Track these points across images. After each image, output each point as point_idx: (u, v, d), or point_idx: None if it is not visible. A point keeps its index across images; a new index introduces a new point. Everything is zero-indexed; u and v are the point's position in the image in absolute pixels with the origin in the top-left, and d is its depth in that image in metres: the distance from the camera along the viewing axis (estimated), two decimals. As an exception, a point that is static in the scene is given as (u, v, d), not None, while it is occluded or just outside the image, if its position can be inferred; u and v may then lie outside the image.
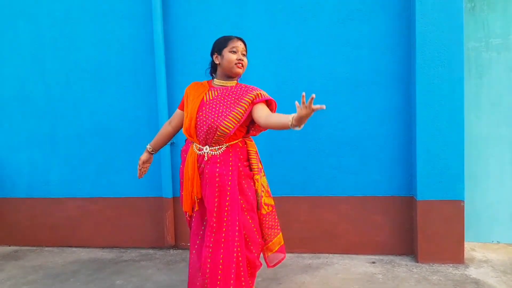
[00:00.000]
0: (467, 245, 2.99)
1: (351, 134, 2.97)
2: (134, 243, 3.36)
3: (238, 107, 1.91)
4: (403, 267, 2.75)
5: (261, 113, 1.90)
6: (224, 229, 1.90)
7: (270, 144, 3.09)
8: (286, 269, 2.77)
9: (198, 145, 1.97)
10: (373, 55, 2.91)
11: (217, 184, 1.91)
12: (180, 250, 3.24)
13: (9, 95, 3.50)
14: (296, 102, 1.66)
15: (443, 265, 2.73)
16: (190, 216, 2.08)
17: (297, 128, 1.69)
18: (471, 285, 2.43)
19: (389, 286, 2.46)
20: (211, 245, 1.91)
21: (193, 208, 2.02)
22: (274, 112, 2.02)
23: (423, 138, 2.74)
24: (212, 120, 1.90)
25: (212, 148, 1.94)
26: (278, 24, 3.03)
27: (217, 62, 2.02)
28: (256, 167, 2.03)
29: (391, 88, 2.91)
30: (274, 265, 2.19)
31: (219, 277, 1.87)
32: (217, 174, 1.91)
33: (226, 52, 1.97)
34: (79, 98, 3.36)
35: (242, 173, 1.98)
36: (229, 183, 1.91)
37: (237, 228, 1.90)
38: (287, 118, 1.70)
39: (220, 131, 1.89)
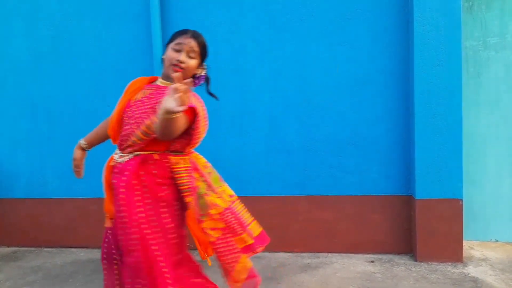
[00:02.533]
0: (465, 243, 2.99)
1: (350, 133, 2.97)
2: (133, 243, 3.35)
3: (152, 116, 1.53)
4: (402, 266, 2.75)
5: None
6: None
7: (268, 143, 3.09)
8: (285, 269, 2.77)
9: (118, 151, 1.68)
10: (371, 54, 2.91)
11: (118, 198, 1.56)
12: (179, 250, 3.24)
13: (7, 96, 3.49)
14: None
15: (441, 264, 2.74)
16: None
17: (167, 115, 1.34)
18: (469, 283, 2.43)
19: (388, 285, 2.46)
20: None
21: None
22: (197, 122, 1.64)
23: (421, 137, 2.75)
24: (132, 124, 1.59)
25: (121, 155, 1.63)
26: (276, 24, 3.03)
27: (164, 56, 1.67)
28: (187, 187, 1.58)
29: (390, 87, 2.91)
30: None
31: None
32: (116, 186, 1.59)
33: (169, 48, 1.62)
34: (77, 98, 3.36)
35: (157, 195, 1.55)
36: (123, 196, 1.54)
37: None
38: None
39: (142, 131, 1.55)
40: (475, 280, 2.47)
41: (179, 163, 1.62)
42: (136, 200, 1.52)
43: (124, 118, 1.63)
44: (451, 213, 2.75)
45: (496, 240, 3.11)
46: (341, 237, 3.03)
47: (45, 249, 3.44)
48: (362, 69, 2.93)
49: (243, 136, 3.13)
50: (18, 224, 3.55)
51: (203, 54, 1.70)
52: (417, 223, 2.79)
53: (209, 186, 1.66)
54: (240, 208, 1.74)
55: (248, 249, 1.66)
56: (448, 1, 2.68)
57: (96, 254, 3.26)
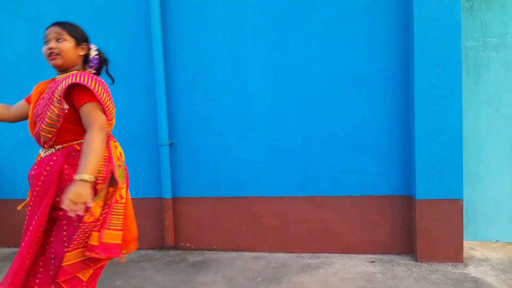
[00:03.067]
0: (466, 244, 2.99)
1: (350, 133, 2.98)
2: (134, 244, 3.36)
3: (54, 97, 1.59)
4: (402, 266, 2.75)
5: (89, 118, 1.58)
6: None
7: (268, 144, 3.10)
8: (286, 269, 2.78)
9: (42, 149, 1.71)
10: (371, 55, 2.91)
11: (35, 193, 1.62)
12: (180, 251, 3.24)
13: (8, 98, 3.49)
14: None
15: (442, 264, 2.73)
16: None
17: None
18: (470, 283, 2.43)
19: (388, 285, 2.46)
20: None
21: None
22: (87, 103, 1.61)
23: (421, 137, 2.75)
24: (38, 116, 1.64)
25: (43, 150, 1.68)
26: (277, 24, 3.03)
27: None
28: (101, 175, 1.59)
29: (390, 87, 2.91)
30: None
31: None
32: (32, 178, 1.66)
33: (44, 44, 1.67)
34: (77, 99, 3.36)
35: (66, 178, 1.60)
36: (37, 188, 1.61)
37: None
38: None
39: (46, 124, 1.60)
40: (475, 281, 2.47)
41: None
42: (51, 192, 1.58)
43: (34, 119, 1.68)
44: (451, 213, 2.75)
45: (497, 240, 3.11)
46: (341, 238, 3.03)
47: (46, 250, 3.44)
48: (362, 69, 2.93)
49: (243, 136, 3.13)
50: (19, 225, 3.53)
51: (75, 34, 1.69)
52: (418, 224, 2.79)
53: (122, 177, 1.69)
54: (118, 212, 1.67)
55: (89, 248, 1.58)
56: (448, 2, 2.68)
57: (96, 254, 3.26)
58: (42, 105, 1.64)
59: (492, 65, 3.03)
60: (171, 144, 3.20)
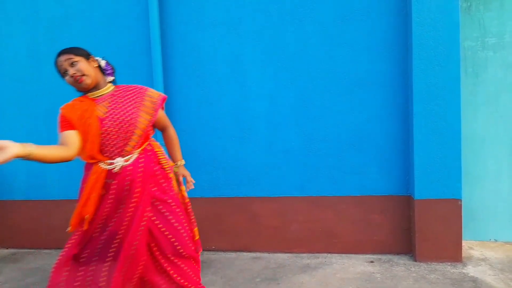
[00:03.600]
0: (464, 243, 3.00)
1: (349, 133, 2.98)
2: (133, 244, 3.35)
3: (143, 106, 1.84)
4: (401, 266, 2.76)
5: (165, 121, 2.04)
6: (131, 245, 1.75)
7: (268, 144, 3.10)
8: (285, 269, 2.78)
9: (107, 161, 1.78)
10: (370, 55, 2.92)
11: (127, 194, 1.77)
12: (179, 251, 3.24)
13: (5, 97, 3.49)
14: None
15: (441, 264, 2.74)
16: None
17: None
18: (469, 283, 2.44)
19: (387, 285, 2.47)
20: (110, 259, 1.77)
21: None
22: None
23: (420, 137, 2.75)
24: (128, 122, 1.78)
25: (125, 158, 1.79)
26: (276, 25, 3.03)
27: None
28: (167, 166, 1.94)
29: (388, 87, 2.92)
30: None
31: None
32: (127, 183, 1.78)
33: (64, 78, 1.81)
34: (76, 99, 3.36)
35: (159, 175, 1.87)
36: (139, 189, 1.78)
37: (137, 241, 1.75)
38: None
39: (140, 129, 1.80)
40: (474, 280, 2.47)
41: (157, 147, 1.95)
42: (149, 189, 1.84)
43: (107, 132, 1.78)
44: (450, 213, 2.75)
45: (495, 240, 3.11)
46: (340, 238, 3.03)
47: (45, 251, 3.44)
48: (361, 69, 2.94)
49: (242, 136, 3.13)
50: (18, 225, 3.55)
51: (80, 53, 1.81)
52: (416, 223, 2.79)
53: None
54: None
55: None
56: (446, 2, 2.68)
57: (95, 255, 3.26)
58: (125, 110, 1.81)
59: (491, 65, 3.04)
60: (170, 145, 3.20)
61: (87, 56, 1.83)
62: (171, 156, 2.04)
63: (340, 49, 2.96)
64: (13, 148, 1.45)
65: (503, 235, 3.10)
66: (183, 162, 2.06)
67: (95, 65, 1.85)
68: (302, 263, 2.88)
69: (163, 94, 1.95)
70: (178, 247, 1.83)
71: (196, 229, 2.02)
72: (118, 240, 1.78)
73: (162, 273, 1.82)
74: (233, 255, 3.10)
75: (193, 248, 1.91)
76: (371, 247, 3.00)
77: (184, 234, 1.86)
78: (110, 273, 1.75)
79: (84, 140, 1.76)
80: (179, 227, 1.85)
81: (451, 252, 2.76)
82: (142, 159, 1.83)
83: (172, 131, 2.04)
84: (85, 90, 1.83)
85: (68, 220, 3.57)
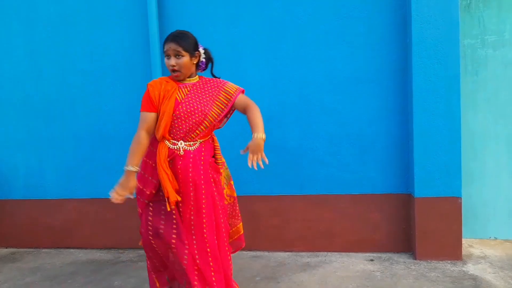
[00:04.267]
0: (464, 241, 3.00)
1: (348, 132, 2.97)
2: (132, 244, 3.34)
3: (217, 100, 1.97)
4: (401, 264, 2.75)
5: (244, 103, 2.01)
6: (204, 226, 1.92)
7: (267, 142, 3.08)
8: (285, 268, 2.77)
9: (171, 140, 1.94)
10: (369, 52, 2.91)
11: (190, 179, 1.92)
12: (178, 250, 3.24)
13: (4, 97, 3.48)
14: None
15: (441, 262, 2.74)
16: (147, 203, 2.01)
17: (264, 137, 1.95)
18: (469, 281, 2.43)
19: (387, 283, 2.46)
20: (190, 242, 1.92)
21: (152, 197, 1.98)
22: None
23: (420, 135, 2.75)
24: (199, 112, 1.92)
25: (187, 143, 1.94)
26: (275, 23, 3.02)
27: None
28: (221, 161, 2.11)
29: (388, 85, 2.91)
30: (233, 252, 2.23)
31: (196, 272, 1.90)
32: (190, 170, 1.92)
33: (165, 56, 1.94)
34: (75, 99, 3.35)
35: (212, 167, 2.03)
36: (202, 177, 1.94)
37: (214, 224, 1.96)
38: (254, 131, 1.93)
39: (208, 121, 1.94)
40: (474, 278, 2.47)
41: (216, 142, 2.11)
42: (209, 178, 2.00)
43: (180, 116, 1.92)
44: (450, 211, 2.75)
45: (495, 238, 3.11)
46: (340, 236, 3.03)
47: (44, 250, 3.43)
48: (360, 67, 2.93)
49: (241, 135, 3.12)
50: (17, 225, 3.54)
51: (188, 48, 1.93)
52: (416, 222, 2.79)
53: (224, 162, 2.19)
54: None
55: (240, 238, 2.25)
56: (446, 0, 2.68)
57: (95, 254, 3.26)
58: (201, 100, 1.95)
59: (490, 63, 3.04)
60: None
61: (193, 52, 1.95)
62: (254, 124, 1.96)
63: (339, 47, 2.95)
64: (132, 182, 1.90)
65: (503, 233, 3.10)
66: (260, 135, 1.93)
67: (194, 62, 1.98)
68: (302, 262, 2.87)
69: (240, 88, 2.02)
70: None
71: (241, 224, 2.23)
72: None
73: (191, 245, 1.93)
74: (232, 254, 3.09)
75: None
76: (371, 246, 2.99)
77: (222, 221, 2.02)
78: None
79: (160, 117, 1.91)
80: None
81: (451, 250, 2.76)
82: (203, 149, 1.97)
83: (255, 108, 1.98)
84: (175, 79, 1.98)
85: (66, 219, 3.58)
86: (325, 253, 3.03)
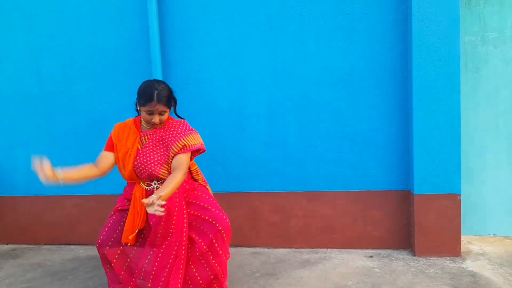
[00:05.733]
0: (464, 238, 3.01)
1: (348, 129, 2.97)
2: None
3: (168, 156, 2.05)
4: (400, 260, 2.76)
5: (175, 162, 2.04)
6: (165, 244, 2.00)
7: (267, 139, 3.09)
8: (284, 264, 2.78)
9: (146, 182, 2.08)
10: (369, 49, 2.91)
11: (161, 225, 1.99)
12: (179, 247, 3.25)
13: (5, 93, 3.48)
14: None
15: (440, 259, 2.75)
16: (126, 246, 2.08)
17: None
18: (468, 277, 2.44)
19: (386, 279, 2.47)
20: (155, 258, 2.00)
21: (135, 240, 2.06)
22: (192, 156, 2.16)
23: (420, 132, 2.75)
24: (151, 170, 2.03)
25: (160, 181, 2.07)
26: (274, 20, 3.01)
27: (139, 113, 2.12)
28: (203, 182, 2.29)
29: (388, 82, 2.91)
30: None
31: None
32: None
33: (143, 110, 2.04)
34: (75, 95, 3.35)
35: (188, 187, 2.15)
36: (176, 208, 2.01)
37: (182, 246, 2.00)
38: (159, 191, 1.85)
39: (164, 168, 2.05)
40: (473, 275, 2.48)
41: (192, 166, 2.24)
42: (184, 203, 2.09)
43: (138, 167, 2.05)
44: (449, 208, 2.75)
45: (495, 235, 3.12)
46: (340, 233, 3.04)
47: (45, 247, 3.45)
48: (360, 64, 2.93)
49: (242, 132, 3.12)
50: (18, 221, 3.55)
51: (169, 106, 2.08)
52: (416, 218, 2.80)
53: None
54: None
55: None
56: (447, -4, 2.67)
57: (95, 251, 3.27)
58: (155, 155, 2.05)
59: (491, 60, 3.03)
60: (169, 140, 3.20)
61: (171, 106, 2.10)
62: (162, 187, 1.89)
63: (340, 44, 2.94)
64: (48, 173, 1.89)
65: (502, 230, 3.11)
66: (160, 195, 1.79)
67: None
68: (301, 258, 2.89)
69: (201, 146, 2.12)
70: (217, 225, 2.04)
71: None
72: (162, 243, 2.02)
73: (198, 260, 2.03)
74: (232, 250, 3.10)
75: (227, 220, 2.10)
76: (371, 242, 3.00)
77: (217, 211, 2.09)
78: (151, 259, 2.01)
79: (122, 164, 2.06)
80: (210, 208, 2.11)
81: (450, 247, 2.77)
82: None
83: (180, 172, 1.98)
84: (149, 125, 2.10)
85: (67, 216, 3.59)
86: (325, 249, 3.04)
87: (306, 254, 2.97)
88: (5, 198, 3.56)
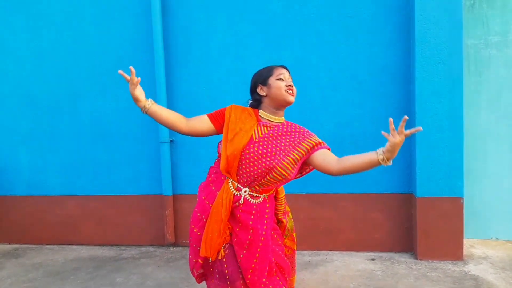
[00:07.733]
0: (466, 242, 2.99)
1: (351, 131, 2.97)
2: (134, 240, 3.36)
3: (294, 151, 1.67)
4: (402, 264, 2.76)
5: (329, 158, 1.69)
6: (252, 266, 1.70)
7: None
8: (286, 266, 2.78)
9: (236, 184, 1.69)
10: (373, 52, 2.91)
11: (249, 237, 1.69)
12: (180, 248, 3.25)
13: (8, 94, 3.50)
14: (383, 132, 1.51)
15: (442, 262, 2.74)
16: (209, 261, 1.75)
17: (388, 163, 1.52)
18: (470, 281, 2.43)
19: (388, 282, 2.47)
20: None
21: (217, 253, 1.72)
22: (302, 174, 1.86)
23: (422, 135, 2.75)
24: (268, 160, 1.64)
25: (251, 194, 1.70)
26: (278, 22, 3.02)
27: (263, 94, 1.76)
28: (283, 211, 1.88)
29: (391, 85, 2.91)
30: None
31: None
32: (251, 223, 1.69)
33: (272, 80, 1.74)
34: (78, 96, 3.36)
35: (275, 226, 1.84)
36: (262, 238, 1.69)
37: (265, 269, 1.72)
38: (373, 154, 1.54)
39: (276, 172, 1.64)
40: (475, 278, 2.47)
41: (281, 193, 1.87)
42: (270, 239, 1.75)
43: (248, 157, 1.67)
44: (451, 211, 2.75)
45: (497, 239, 3.11)
46: (341, 235, 3.03)
47: (47, 246, 3.45)
48: (363, 67, 2.93)
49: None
50: (20, 221, 3.56)
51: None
52: (418, 222, 2.79)
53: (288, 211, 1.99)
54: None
55: None
56: (450, 0, 2.67)
57: (97, 251, 3.27)
58: (275, 147, 1.67)
59: (493, 63, 3.03)
60: (171, 142, 3.20)
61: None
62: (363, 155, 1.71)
63: (343, 45, 2.95)
64: (136, 91, 1.69)
65: (505, 234, 3.10)
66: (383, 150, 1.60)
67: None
68: (303, 260, 2.88)
69: (323, 143, 1.75)
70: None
71: (294, 277, 1.96)
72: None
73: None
74: (234, 252, 3.11)
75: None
76: (373, 245, 3.00)
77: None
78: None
79: (226, 147, 1.69)
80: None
81: (453, 250, 2.76)
82: (268, 205, 1.74)
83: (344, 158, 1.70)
84: (278, 107, 1.77)
85: (69, 216, 3.59)
86: (327, 252, 3.04)
87: (307, 256, 2.97)
88: (7, 197, 3.57)
